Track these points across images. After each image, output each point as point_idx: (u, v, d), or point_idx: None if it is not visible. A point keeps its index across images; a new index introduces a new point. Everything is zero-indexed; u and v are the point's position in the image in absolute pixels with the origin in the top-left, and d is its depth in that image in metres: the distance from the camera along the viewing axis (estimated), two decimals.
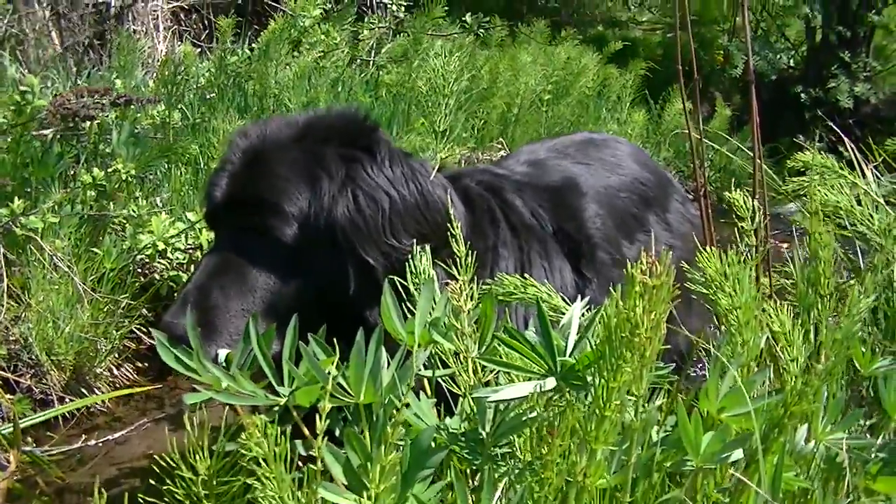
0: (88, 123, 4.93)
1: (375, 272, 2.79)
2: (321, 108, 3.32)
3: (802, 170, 3.90)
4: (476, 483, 2.01)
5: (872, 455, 2.28)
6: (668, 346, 1.85)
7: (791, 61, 12.58)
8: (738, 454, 1.95)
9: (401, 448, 1.80)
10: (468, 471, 2.02)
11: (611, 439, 1.76)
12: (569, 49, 9.89)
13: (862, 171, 4.30)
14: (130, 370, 4.83)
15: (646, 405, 2.20)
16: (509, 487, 1.91)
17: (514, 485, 1.91)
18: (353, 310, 2.74)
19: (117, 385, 4.67)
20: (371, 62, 8.66)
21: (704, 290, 2.39)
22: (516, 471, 1.91)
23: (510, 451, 1.98)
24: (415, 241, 2.51)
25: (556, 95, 9.06)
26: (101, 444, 4.09)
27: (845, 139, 4.77)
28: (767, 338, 2.48)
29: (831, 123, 5.99)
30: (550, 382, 1.82)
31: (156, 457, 1.91)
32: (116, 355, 4.75)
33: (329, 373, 1.88)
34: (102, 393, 4.50)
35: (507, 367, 1.89)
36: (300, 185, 2.83)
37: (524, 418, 1.88)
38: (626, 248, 3.58)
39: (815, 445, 2.19)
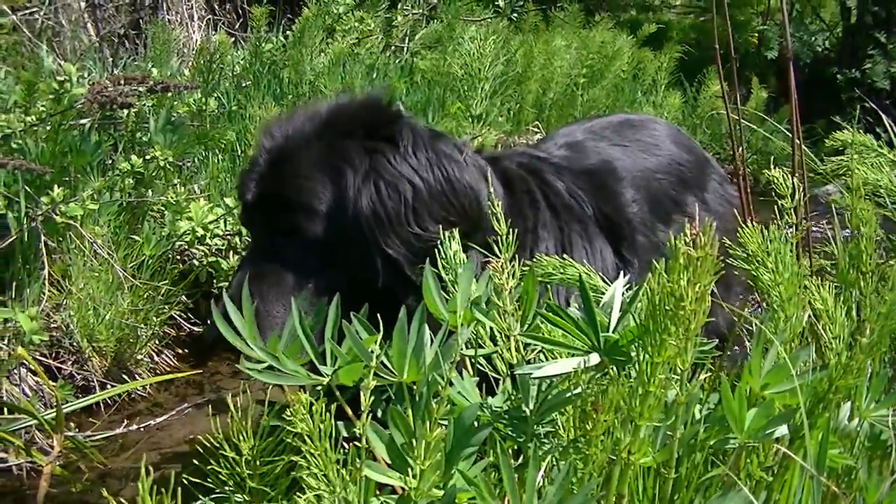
0: (126, 111, 4.95)
1: (398, 263, 2.79)
2: (344, 97, 3.30)
3: (841, 149, 3.88)
4: (519, 461, 2.01)
5: None
6: (712, 319, 1.84)
7: (826, 43, 12.50)
8: (782, 430, 1.94)
9: (445, 426, 1.80)
10: (511, 450, 2.02)
11: (655, 415, 1.75)
12: (603, 33, 9.86)
13: None
14: (170, 356, 4.85)
15: (689, 381, 2.20)
16: (553, 466, 1.91)
17: (557, 463, 1.91)
18: (391, 299, 2.75)
19: (158, 371, 4.69)
20: (405, 48, 8.65)
21: (746, 266, 2.38)
22: (560, 449, 1.91)
23: (553, 429, 1.98)
24: (441, 227, 2.49)
25: (590, 79, 9.03)
26: (142, 430, 4.11)
27: (884, 117, 4.74)
28: (809, 316, 2.47)
29: (870, 103, 5.95)
30: (594, 358, 1.82)
31: (199, 438, 1.92)
32: (157, 342, 4.77)
33: (372, 351, 1.88)
34: (143, 379, 4.51)
35: (551, 343, 1.88)
36: (325, 182, 2.84)
37: (568, 395, 1.88)
38: (661, 231, 3.56)
39: (859, 423, 2.18)
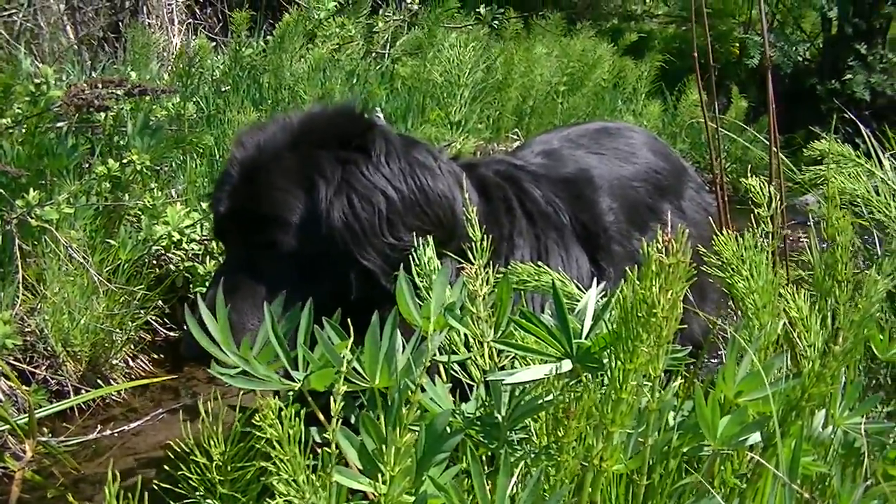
0: (103, 114, 4.93)
1: (374, 275, 2.77)
2: (317, 105, 3.28)
3: (819, 159, 3.89)
4: (492, 468, 2.00)
5: (891, 440, 2.27)
6: (685, 326, 1.83)
7: (807, 54, 12.54)
8: (755, 438, 1.94)
9: (416, 432, 1.79)
10: (484, 457, 2.01)
11: (627, 422, 1.75)
12: (584, 41, 9.88)
13: (879, 160, 4.29)
14: (146, 361, 4.84)
15: (662, 388, 2.20)
16: (526, 472, 1.90)
17: (530, 469, 1.90)
18: (366, 310, 2.73)
19: (133, 376, 4.67)
20: (386, 55, 8.65)
21: (721, 274, 2.37)
22: (532, 455, 1.90)
23: (527, 436, 1.98)
24: (415, 236, 2.49)
25: (571, 87, 9.05)
26: (116, 435, 4.09)
27: (863, 128, 4.75)
28: (784, 324, 2.47)
29: (849, 113, 5.97)
30: (566, 365, 1.82)
31: (170, 443, 1.91)
32: (132, 346, 4.75)
33: (343, 357, 1.88)
34: (118, 384, 4.49)
35: (523, 350, 1.88)
36: (299, 194, 2.81)
37: (540, 402, 1.87)
38: (637, 240, 3.56)
39: (833, 430, 2.18)
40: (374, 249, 2.78)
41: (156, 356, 4.92)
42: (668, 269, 1.55)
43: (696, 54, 3.61)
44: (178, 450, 1.89)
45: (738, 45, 12.48)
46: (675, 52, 11.90)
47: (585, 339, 1.86)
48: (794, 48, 12.09)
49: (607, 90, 9.64)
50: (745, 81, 11.79)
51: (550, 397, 1.84)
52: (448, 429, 1.86)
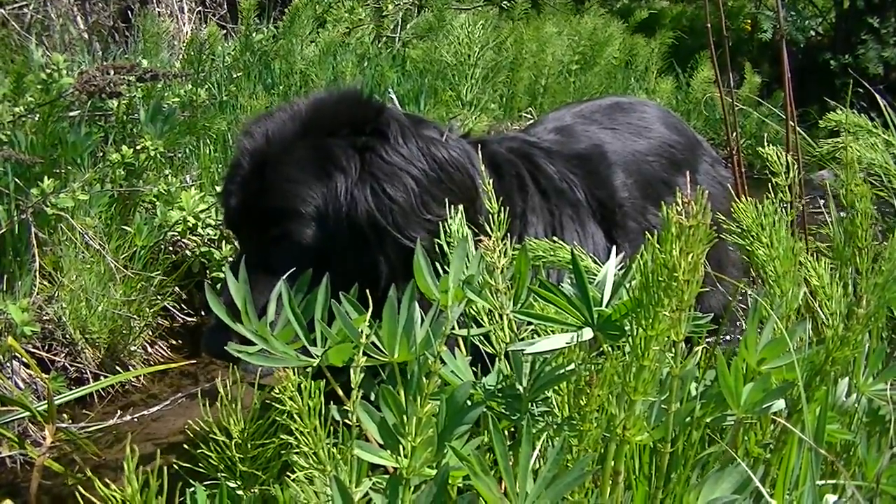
0: (116, 101, 4.93)
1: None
2: (323, 92, 3.25)
3: (835, 131, 3.87)
4: (513, 442, 1.99)
5: None
6: (708, 291, 1.81)
7: (819, 28, 12.49)
8: (779, 405, 1.93)
9: (437, 404, 1.78)
10: (507, 431, 2.00)
11: (650, 390, 1.73)
12: (594, 20, 9.86)
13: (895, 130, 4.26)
14: (164, 347, 4.84)
15: (684, 357, 2.18)
16: (548, 445, 1.89)
17: (552, 441, 1.89)
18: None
19: (151, 362, 4.68)
20: (397, 38, 8.63)
21: (741, 241, 2.36)
22: (555, 426, 1.89)
23: (548, 408, 1.96)
24: (446, 206, 2.47)
25: (583, 66, 9.04)
26: (136, 420, 4.09)
27: (879, 98, 4.72)
28: (805, 292, 2.45)
29: (867, 85, 5.93)
30: (587, 333, 1.80)
31: (190, 423, 1.90)
32: (150, 332, 4.76)
33: (362, 331, 1.86)
34: (137, 370, 4.49)
35: (543, 319, 1.86)
36: (313, 185, 2.78)
37: (561, 371, 1.85)
38: (652, 215, 3.54)
39: (857, 398, 2.17)
40: (419, 226, 2.76)
41: (174, 342, 4.92)
42: (689, 231, 1.53)
43: (709, 26, 3.59)
44: (198, 430, 1.89)
45: (749, 20, 12.42)
46: (686, 29, 11.86)
47: (606, 307, 1.84)
48: (806, 23, 12.04)
49: (619, 68, 9.62)
50: (758, 57, 11.75)
51: (572, 367, 1.82)
52: (469, 401, 1.86)
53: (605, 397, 1.71)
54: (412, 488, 1.62)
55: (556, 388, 1.92)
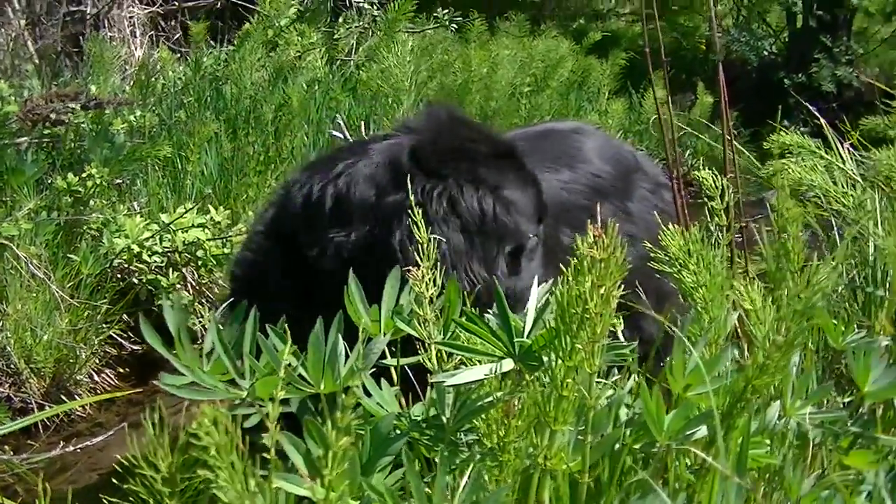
0: (63, 129, 4.92)
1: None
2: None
3: (780, 152, 3.90)
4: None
5: (845, 429, 2.27)
6: (616, 322, 1.81)
7: (773, 47, 12.60)
8: (702, 431, 1.94)
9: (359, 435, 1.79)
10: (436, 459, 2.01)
11: (570, 420, 1.74)
12: (546, 41, 9.88)
13: (838, 151, 4.30)
14: (112, 375, 4.82)
15: (612, 384, 2.20)
16: (477, 475, 1.90)
17: (479, 471, 1.89)
18: None
19: (98, 391, 4.65)
20: (351, 61, 8.64)
21: (668, 270, 2.38)
22: (478, 456, 1.89)
23: (477, 437, 1.97)
24: None
25: (535, 88, 9.05)
26: (79, 451, 4.07)
27: (821, 119, 4.77)
28: (739, 316, 2.47)
29: (807, 104, 5.98)
30: (507, 364, 1.81)
31: (118, 457, 1.90)
32: (97, 361, 4.74)
33: (289, 363, 1.87)
34: (82, 399, 4.47)
35: (466, 351, 1.87)
36: None
37: (483, 402, 1.86)
38: (567, 237, 3.53)
39: (786, 421, 2.18)
40: None
41: (121, 370, 4.90)
42: (600, 264, 1.55)
43: (647, 49, 3.61)
44: (126, 464, 1.88)
45: (704, 40, 12.52)
46: (640, 50, 11.93)
47: (527, 337, 1.85)
48: (759, 42, 12.14)
49: (572, 89, 9.65)
50: (713, 77, 11.82)
51: (493, 397, 1.83)
52: (394, 432, 1.87)
53: (523, 428, 1.72)
54: None
55: (483, 418, 1.92)
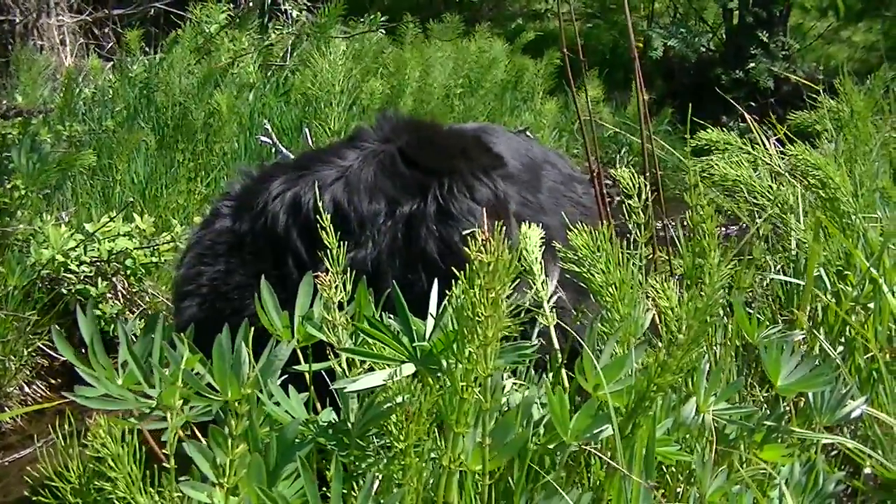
0: None
1: None
2: None
3: (707, 148, 3.93)
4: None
5: (759, 424, 2.29)
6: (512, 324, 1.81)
7: (710, 44, 12.66)
8: (608, 430, 1.95)
9: (261, 443, 1.79)
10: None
11: (471, 422, 1.75)
12: (479, 42, 9.85)
13: (764, 145, 4.34)
14: (43, 387, 4.77)
15: (526, 384, 2.21)
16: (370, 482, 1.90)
17: (372, 478, 1.89)
18: None
19: (29, 402, 4.61)
20: (285, 67, 8.60)
21: (576, 269, 2.38)
22: (384, 461, 1.90)
23: (388, 441, 1.97)
24: None
25: (468, 89, 9.03)
26: (8, 463, 4.04)
27: (747, 116, 4.82)
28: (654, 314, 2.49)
29: (735, 102, 6.04)
30: (408, 368, 1.81)
31: (28, 468, 1.89)
32: (27, 372, 4.69)
33: (196, 372, 1.88)
34: (12, 411, 4.43)
35: (367, 356, 1.87)
36: None
37: (386, 406, 1.87)
38: None
39: (699, 417, 2.20)
40: None
41: (52, 381, 4.85)
42: (487, 267, 1.55)
43: (564, 50, 3.63)
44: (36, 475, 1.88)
45: (641, 38, 12.56)
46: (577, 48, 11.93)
47: (428, 341, 1.85)
48: (696, 39, 12.20)
49: (508, 90, 9.64)
50: (651, 74, 11.88)
51: (398, 401, 1.83)
52: (300, 438, 1.87)
53: (422, 431, 1.72)
54: None
55: (391, 421, 1.92)
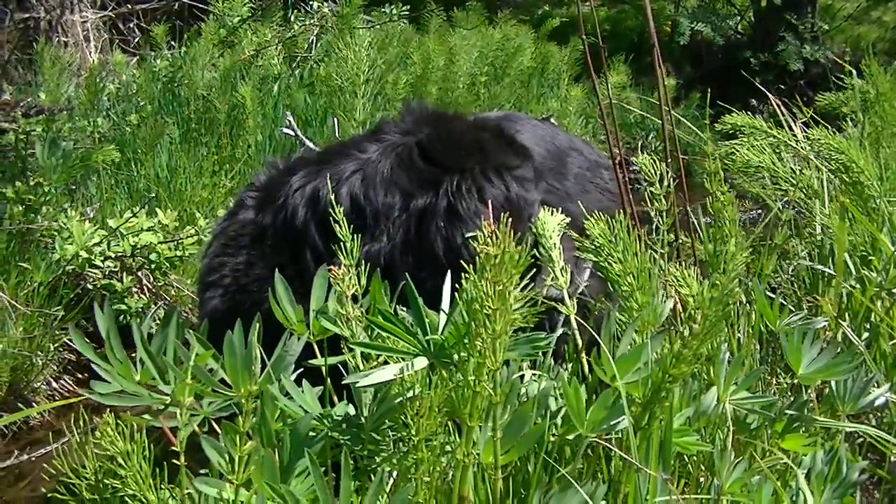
0: (12, 137, 4.89)
1: None
2: None
3: (732, 132, 3.90)
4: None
5: (780, 413, 2.27)
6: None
7: (738, 27, 12.59)
8: (625, 422, 1.93)
9: (276, 439, 1.78)
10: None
11: (483, 416, 1.74)
12: (504, 29, 9.82)
13: (790, 128, 4.29)
14: (70, 381, 4.78)
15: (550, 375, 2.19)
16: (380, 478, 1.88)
17: (405, 469, 1.88)
18: None
19: (56, 397, 4.62)
20: (310, 58, 8.58)
21: (593, 258, 2.36)
22: (399, 455, 1.88)
23: (404, 436, 1.96)
24: None
25: (493, 77, 8.99)
26: (34, 459, 4.05)
27: (771, 98, 4.77)
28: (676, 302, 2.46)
29: (760, 85, 5.98)
30: (420, 362, 1.80)
31: (44, 465, 1.90)
32: (54, 368, 4.70)
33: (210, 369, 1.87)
34: (39, 406, 4.45)
35: (380, 349, 1.86)
36: None
37: (398, 400, 1.85)
38: None
39: (720, 406, 2.18)
40: None
41: (80, 375, 4.86)
42: (494, 260, 1.53)
43: (583, 36, 3.59)
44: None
45: (669, 22, 12.49)
46: (604, 34, 11.88)
47: (441, 334, 1.84)
48: (724, 22, 12.13)
49: (534, 77, 9.59)
50: (679, 59, 11.82)
51: (405, 396, 1.82)
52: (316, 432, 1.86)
53: (433, 425, 1.71)
54: None
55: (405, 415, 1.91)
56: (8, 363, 4.37)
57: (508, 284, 1.55)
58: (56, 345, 4.65)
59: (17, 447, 4.19)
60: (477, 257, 1.58)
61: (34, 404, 4.49)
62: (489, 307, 1.55)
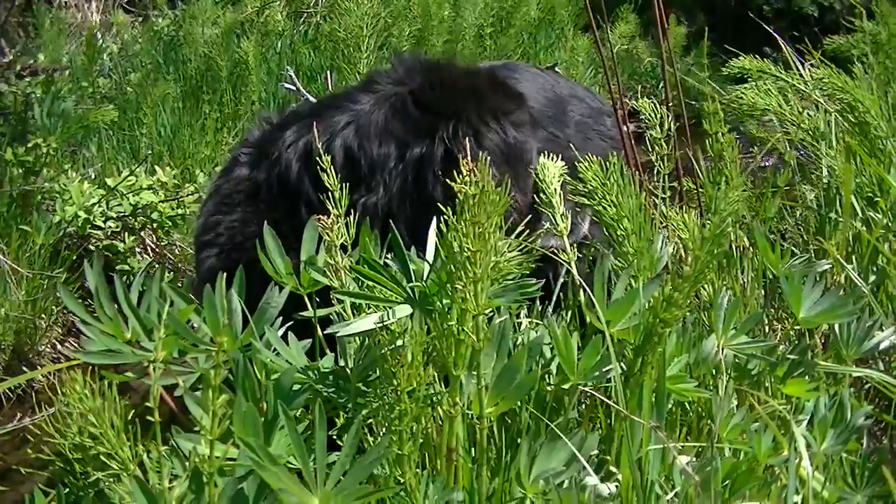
0: (11, 98, 4.85)
1: None
2: None
3: (741, 77, 3.85)
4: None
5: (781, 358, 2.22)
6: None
7: None
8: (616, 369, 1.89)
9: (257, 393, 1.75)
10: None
11: (467, 364, 1.69)
12: None
13: (800, 72, 4.23)
14: (75, 343, 4.75)
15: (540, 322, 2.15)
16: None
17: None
18: None
19: (61, 360, 4.60)
20: (314, 13, 8.52)
21: (587, 202, 2.31)
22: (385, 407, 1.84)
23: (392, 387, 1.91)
24: None
25: (498, 28, 8.90)
26: (38, 422, 4.03)
27: (779, 40, 4.70)
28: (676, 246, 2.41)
29: (773, 32, 5.89)
30: (402, 310, 1.75)
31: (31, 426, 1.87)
32: (59, 330, 4.68)
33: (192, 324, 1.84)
34: (44, 368, 4.43)
35: (362, 298, 1.81)
36: None
37: (384, 350, 1.80)
38: None
39: (720, 351, 2.13)
40: None
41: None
42: (472, 199, 1.48)
43: None
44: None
45: None
46: None
47: (425, 281, 1.79)
48: None
49: (542, 28, 9.48)
50: (692, 7, 11.71)
51: (387, 345, 1.77)
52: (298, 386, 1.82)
53: (415, 375, 1.66)
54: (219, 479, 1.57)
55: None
56: (11, 327, 4.35)
57: (488, 225, 1.49)
58: (59, 307, 4.62)
59: (22, 410, 4.17)
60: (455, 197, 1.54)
61: (39, 367, 4.47)
62: (468, 249, 1.50)
